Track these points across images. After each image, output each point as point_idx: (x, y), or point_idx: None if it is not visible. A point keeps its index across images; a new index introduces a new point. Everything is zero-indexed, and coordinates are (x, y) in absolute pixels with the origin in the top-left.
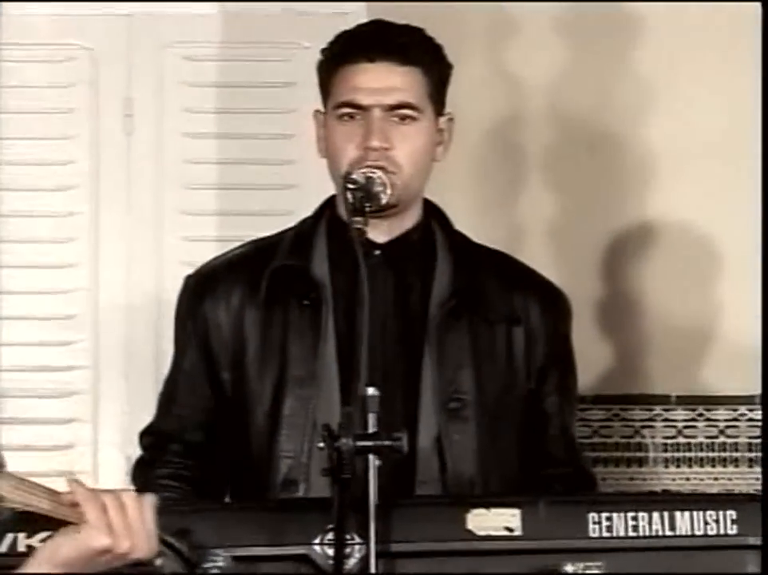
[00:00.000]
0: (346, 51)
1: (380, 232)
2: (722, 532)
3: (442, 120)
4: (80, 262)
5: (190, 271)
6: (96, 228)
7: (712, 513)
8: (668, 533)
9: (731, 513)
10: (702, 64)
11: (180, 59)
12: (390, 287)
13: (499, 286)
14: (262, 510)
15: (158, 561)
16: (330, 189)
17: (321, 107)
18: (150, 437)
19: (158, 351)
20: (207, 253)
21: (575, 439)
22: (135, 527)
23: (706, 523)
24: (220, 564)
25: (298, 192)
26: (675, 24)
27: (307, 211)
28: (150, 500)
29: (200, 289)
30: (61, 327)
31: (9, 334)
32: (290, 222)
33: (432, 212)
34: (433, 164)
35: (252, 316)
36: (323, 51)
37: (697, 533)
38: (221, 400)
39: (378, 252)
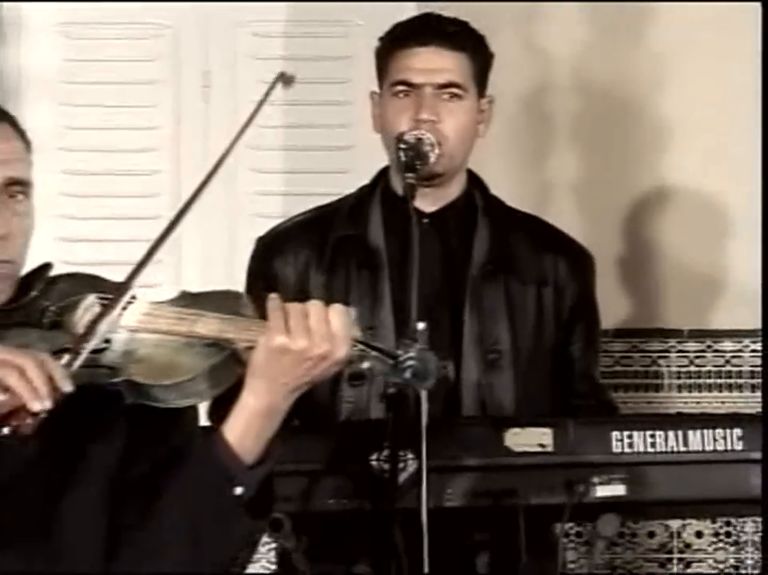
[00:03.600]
0: (402, 37)
1: (428, 202)
2: (729, 448)
3: (483, 101)
4: (162, 215)
5: (259, 220)
6: (177, 185)
7: (720, 431)
8: (682, 449)
9: (737, 432)
10: (712, 41)
11: (251, 36)
12: (437, 251)
13: (531, 248)
14: (327, 431)
15: (365, 364)
16: (380, 150)
17: (374, 83)
18: None
19: None
20: (274, 206)
21: (597, 378)
22: (315, 328)
23: (714, 440)
24: (412, 353)
25: (353, 152)
26: (688, 4)
27: (361, 170)
28: (340, 308)
29: (270, 249)
30: (145, 274)
31: None
32: (346, 179)
33: (474, 181)
34: (475, 139)
35: (316, 279)
36: (381, 38)
37: (707, 449)
38: None
39: (426, 221)
